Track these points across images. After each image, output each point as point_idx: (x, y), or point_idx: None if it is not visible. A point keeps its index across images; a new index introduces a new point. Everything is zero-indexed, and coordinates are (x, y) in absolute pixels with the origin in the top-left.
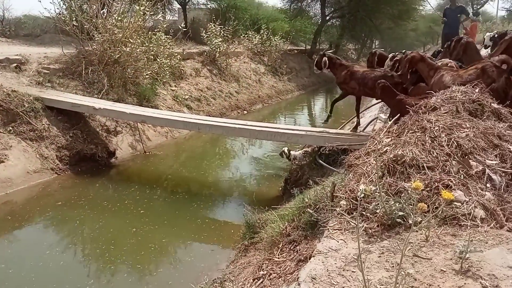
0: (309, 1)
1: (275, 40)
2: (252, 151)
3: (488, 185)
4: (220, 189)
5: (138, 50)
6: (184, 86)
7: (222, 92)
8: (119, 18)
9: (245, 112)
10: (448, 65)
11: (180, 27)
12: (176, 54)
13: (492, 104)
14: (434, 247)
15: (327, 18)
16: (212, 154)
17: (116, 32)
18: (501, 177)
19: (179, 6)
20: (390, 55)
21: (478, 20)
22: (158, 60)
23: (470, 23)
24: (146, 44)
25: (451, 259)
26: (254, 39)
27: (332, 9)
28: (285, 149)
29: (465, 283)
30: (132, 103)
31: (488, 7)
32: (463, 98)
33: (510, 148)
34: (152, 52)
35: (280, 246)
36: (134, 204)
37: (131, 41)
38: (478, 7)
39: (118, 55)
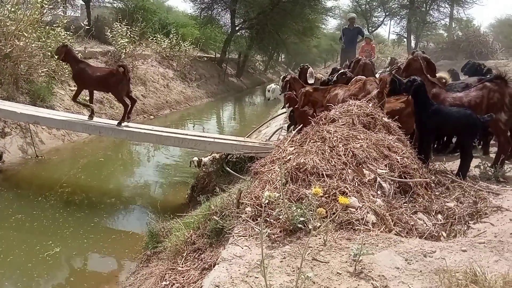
0: (219, 10)
1: (184, 45)
2: (158, 157)
3: (379, 192)
4: (122, 197)
5: (33, 45)
6: None
7: None
8: (13, 9)
9: (152, 117)
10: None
11: (83, 24)
12: (77, 52)
13: (383, 118)
14: (331, 250)
15: (237, 28)
16: (114, 160)
17: (8, 24)
18: (390, 185)
19: (82, 3)
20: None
21: (370, 38)
22: (56, 57)
23: (367, 42)
24: (43, 39)
25: (346, 262)
26: (163, 42)
27: (242, 20)
28: (195, 159)
29: (358, 285)
30: (24, 102)
31: (381, 30)
32: (359, 111)
33: (397, 159)
34: (49, 49)
35: (185, 255)
36: (23, 214)
37: (26, 35)
38: (373, 29)
39: (10, 49)
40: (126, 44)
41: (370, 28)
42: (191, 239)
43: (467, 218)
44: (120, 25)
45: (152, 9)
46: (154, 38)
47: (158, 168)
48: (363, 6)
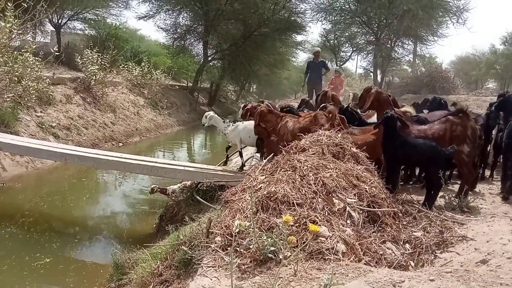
0: (192, 41)
1: (156, 74)
2: (126, 186)
3: (348, 221)
4: (87, 227)
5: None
6: (52, 113)
7: (96, 122)
8: None
9: (121, 144)
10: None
11: (52, 50)
12: (45, 77)
13: (351, 148)
14: (301, 281)
15: (209, 58)
16: (80, 189)
17: None
18: (359, 214)
19: (52, 29)
20: (242, 105)
21: (340, 71)
22: (23, 82)
23: (337, 75)
24: (10, 64)
25: None
26: (134, 70)
27: (214, 50)
28: (155, 186)
29: None
30: None
31: (348, 64)
32: (328, 141)
33: (366, 188)
34: (16, 73)
35: (151, 287)
36: None
37: None
38: (341, 64)
39: None
40: (96, 71)
41: (338, 62)
42: (158, 271)
43: (434, 247)
44: (91, 52)
45: (124, 37)
46: (126, 66)
47: (125, 197)
48: (331, 41)
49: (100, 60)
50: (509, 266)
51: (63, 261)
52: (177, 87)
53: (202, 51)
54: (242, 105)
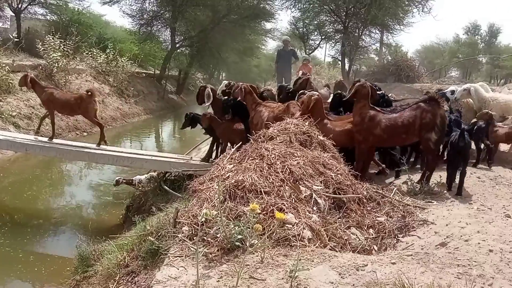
0: (159, 27)
1: (122, 61)
2: (91, 176)
3: (314, 208)
4: (51, 219)
5: None
6: (11, 102)
7: None
8: None
9: (85, 134)
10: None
11: (12, 36)
12: (4, 65)
13: (318, 136)
14: (268, 267)
15: (177, 45)
16: (43, 180)
17: None
18: (325, 201)
19: (12, 14)
20: (226, 82)
21: (308, 59)
22: None
23: (305, 64)
24: None
25: (283, 278)
26: (99, 57)
27: (182, 37)
28: (120, 178)
29: None
30: None
31: (317, 53)
32: (296, 129)
33: (332, 175)
34: None
35: (117, 278)
36: None
37: None
38: (310, 52)
39: None
40: (59, 58)
41: (307, 51)
42: (125, 262)
43: (396, 232)
44: (53, 38)
45: (88, 23)
46: (90, 53)
47: (91, 188)
48: (300, 29)
49: (62, 47)
50: (466, 248)
51: (25, 254)
52: (144, 74)
53: (170, 38)
54: (225, 82)
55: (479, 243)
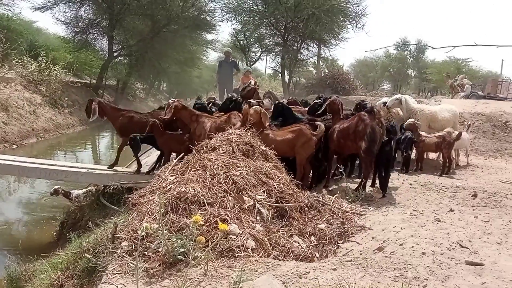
0: (96, 35)
1: (55, 69)
2: (21, 192)
3: (258, 218)
4: None
5: None
6: None
7: None
8: None
9: (15, 146)
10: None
11: None
12: None
13: (261, 146)
14: (212, 280)
15: (115, 54)
16: None
17: None
18: (268, 210)
19: None
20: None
21: (250, 70)
22: None
23: (246, 75)
24: None
25: None
26: (30, 66)
27: (120, 46)
28: (59, 188)
29: None
30: None
31: (258, 64)
32: (238, 140)
33: (274, 185)
34: None
35: None
36: None
37: None
38: (251, 64)
39: None
40: None
41: (248, 63)
42: (59, 282)
43: (336, 238)
44: None
45: (18, 29)
46: (20, 61)
47: (21, 203)
48: (241, 41)
49: None
50: (402, 252)
51: None
52: (79, 84)
53: (107, 47)
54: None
55: (413, 247)
